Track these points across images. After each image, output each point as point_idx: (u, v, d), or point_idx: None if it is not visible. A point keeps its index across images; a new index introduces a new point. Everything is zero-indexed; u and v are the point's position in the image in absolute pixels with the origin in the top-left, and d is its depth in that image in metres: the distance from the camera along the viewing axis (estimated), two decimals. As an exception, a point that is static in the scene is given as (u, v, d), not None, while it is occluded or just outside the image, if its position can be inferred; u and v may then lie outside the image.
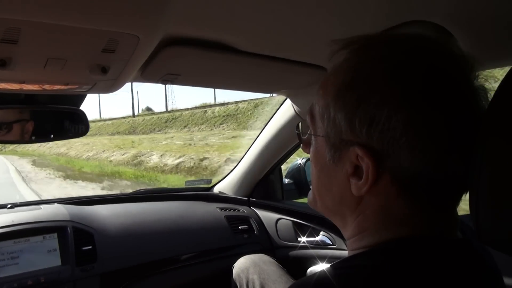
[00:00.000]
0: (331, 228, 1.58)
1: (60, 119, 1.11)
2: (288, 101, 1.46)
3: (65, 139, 1.15)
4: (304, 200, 1.92)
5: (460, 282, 0.49)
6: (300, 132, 0.67)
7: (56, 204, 1.53)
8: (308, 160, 1.89)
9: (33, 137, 1.13)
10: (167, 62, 0.93)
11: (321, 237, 1.60)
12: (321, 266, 1.55)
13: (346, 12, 0.79)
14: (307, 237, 1.66)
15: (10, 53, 0.71)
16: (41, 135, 1.14)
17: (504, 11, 0.74)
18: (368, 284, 0.46)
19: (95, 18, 0.64)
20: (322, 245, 1.59)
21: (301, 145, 0.68)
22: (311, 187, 0.64)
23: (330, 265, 0.52)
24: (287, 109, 1.48)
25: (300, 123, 0.68)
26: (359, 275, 0.48)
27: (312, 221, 1.65)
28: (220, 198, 1.91)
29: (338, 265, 0.53)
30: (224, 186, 1.97)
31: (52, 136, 1.12)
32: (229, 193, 1.94)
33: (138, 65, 0.88)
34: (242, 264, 1.46)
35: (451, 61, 0.50)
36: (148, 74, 0.99)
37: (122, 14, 0.65)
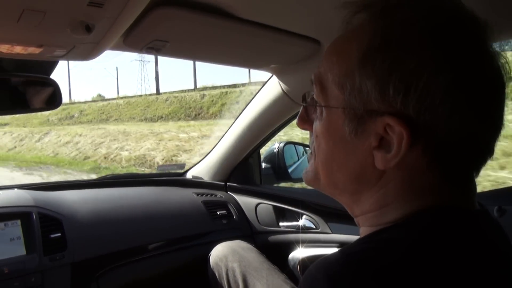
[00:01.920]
0: (314, 211, 1.55)
1: (28, 89, 0.98)
2: (273, 80, 1.40)
3: (33, 112, 1.03)
4: (283, 184, 1.88)
5: (493, 251, 0.47)
6: (310, 105, 0.59)
7: (16, 189, 1.40)
8: (286, 143, 1.85)
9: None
10: (156, 26, 0.85)
11: (304, 221, 1.56)
12: (302, 251, 1.52)
13: None
14: (288, 221, 1.62)
15: None
16: (4, 108, 1.01)
17: None
18: (409, 258, 0.43)
19: None
20: (304, 229, 1.55)
21: (298, 120, 0.61)
22: (310, 165, 0.59)
23: (355, 242, 0.49)
24: (271, 89, 1.42)
25: (305, 94, 0.60)
26: (395, 248, 0.44)
27: (294, 204, 1.61)
28: (195, 183, 1.83)
29: (364, 240, 0.50)
30: (199, 171, 1.88)
31: (18, 108, 1.00)
32: (204, 178, 1.86)
33: (125, 25, 0.79)
34: (219, 252, 1.40)
35: (479, 24, 0.47)
36: (132, 39, 0.90)
37: None
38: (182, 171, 1.99)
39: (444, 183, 0.48)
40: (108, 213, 1.42)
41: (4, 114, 1.03)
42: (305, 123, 0.60)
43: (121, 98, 19.87)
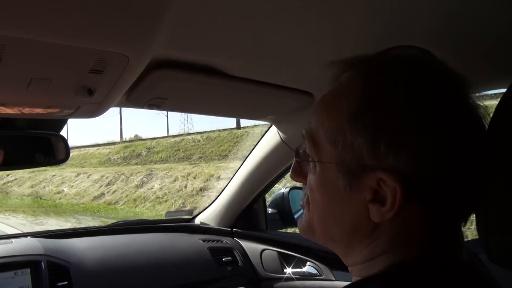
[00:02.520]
0: (318, 258, 1.55)
1: (39, 145, 1.06)
2: (273, 129, 1.45)
3: (43, 166, 1.10)
4: (289, 230, 1.89)
5: None
6: (303, 160, 0.60)
7: (28, 237, 1.45)
8: (292, 188, 1.87)
9: (6, 165, 1.08)
10: (155, 86, 0.91)
11: (308, 267, 1.55)
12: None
13: (332, 39, 0.81)
14: (293, 268, 1.61)
15: None
16: (16, 163, 1.08)
17: (485, 32, 0.76)
18: None
19: (85, 36, 0.62)
20: (308, 276, 1.54)
21: (292, 173, 0.63)
22: (304, 216, 0.59)
23: None
24: (271, 137, 1.47)
25: (298, 148, 0.63)
26: None
27: (298, 251, 1.61)
28: (202, 229, 1.85)
29: None
30: (206, 216, 1.91)
31: (28, 163, 1.07)
32: (212, 223, 1.88)
33: (125, 87, 0.86)
34: None
35: (458, 80, 0.51)
36: (134, 98, 0.97)
37: (113, 32, 0.63)
38: (190, 216, 2.02)
39: (435, 233, 0.49)
40: (115, 261, 1.45)
41: (17, 169, 1.09)
42: (299, 175, 0.61)
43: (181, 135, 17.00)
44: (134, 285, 1.40)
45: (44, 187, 15.37)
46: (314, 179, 0.55)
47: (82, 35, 0.61)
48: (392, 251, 0.49)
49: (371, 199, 0.49)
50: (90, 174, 14.85)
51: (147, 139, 17.57)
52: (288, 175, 1.70)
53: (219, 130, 14.74)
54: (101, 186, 13.58)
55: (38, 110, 0.91)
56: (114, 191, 12.87)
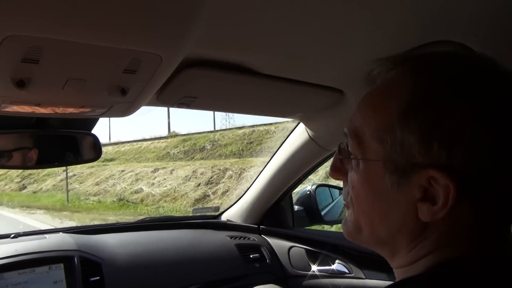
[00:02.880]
0: (347, 256, 1.53)
1: (72, 144, 1.08)
2: (301, 126, 1.44)
3: (75, 164, 1.12)
4: (315, 227, 1.87)
5: None
6: (345, 157, 0.58)
7: (61, 233, 1.48)
8: (318, 186, 1.86)
9: (40, 163, 1.10)
10: (186, 84, 0.92)
11: (337, 265, 1.54)
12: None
13: (365, 35, 0.79)
14: (321, 265, 1.60)
15: (30, 73, 0.69)
16: (50, 161, 1.11)
17: None
18: None
19: (121, 37, 0.62)
20: (337, 273, 1.53)
21: (332, 171, 0.62)
22: (349, 216, 0.58)
23: None
24: (299, 134, 1.46)
25: (340, 145, 0.62)
26: None
27: (327, 248, 1.59)
28: (229, 226, 1.86)
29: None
30: (233, 213, 1.92)
31: (62, 161, 1.09)
32: (238, 220, 1.89)
33: (157, 87, 0.86)
34: None
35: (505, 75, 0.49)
36: (164, 97, 0.97)
37: (147, 33, 0.64)
38: (216, 213, 2.03)
39: (486, 234, 0.48)
40: (145, 257, 1.47)
41: (50, 167, 1.12)
42: (339, 173, 0.60)
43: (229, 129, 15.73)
44: (164, 281, 1.42)
45: (114, 185, 13.61)
46: (358, 177, 0.54)
47: (118, 36, 0.62)
48: (439, 250, 0.48)
49: (420, 197, 0.48)
50: (173, 169, 12.90)
51: (194, 133, 16.24)
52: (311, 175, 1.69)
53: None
54: (199, 185, 11.27)
55: (71, 110, 0.92)
56: (225, 192, 10.39)
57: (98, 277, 1.29)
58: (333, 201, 2.03)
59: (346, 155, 0.58)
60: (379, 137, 0.51)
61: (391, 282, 0.52)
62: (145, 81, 0.80)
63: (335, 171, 0.61)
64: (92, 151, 1.10)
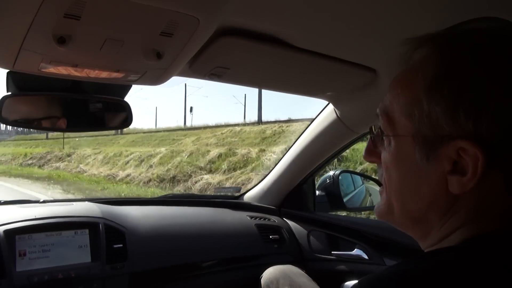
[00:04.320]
0: (367, 241, 1.52)
1: (104, 110, 1.10)
2: (329, 108, 1.43)
3: (107, 130, 1.14)
4: (337, 212, 1.86)
5: None
6: (378, 135, 0.59)
7: (87, 202, 1.52)
8: (342, 172, 1.84)
9: (71, 127, 1.13)
10: (219, 54, 0.92)
11: (357, 251, 1.53)
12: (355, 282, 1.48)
13: (404, 13, 0.78)
14: (341, 250, 1.59)
15: (71, 30, 0.70)
16: (81, 126, 1.13)
17: None
18: (459, 283, 0.42)
19: None
20: (357, 259, 1.52)
21: (366, 153, 0.62)
22: (382, 199, 0.59)
23: (410, 260, 0.49)
24: (327, 116, 1.44)
25: (372, 127, 0.64)
26: (446, 271, 0.44)
27: (348, 234, 1.59)
28: (249, 207, 1.87)
29: (419, 259, 0.50)
30: (254, 195, 1.93)
31: (93, 126, 1.12)
32: (259, 202, 1.89)
33: (191, 53, 0.87)
34: (271, 275, 1.41)
35: None
36: (197, 66, 0.97)
37: None
38: (238, 194, 2.04)
39: None
40: (167, 229, 1.49)
41: (82, 131, 1.14)
42: (372, 155, 0.61)
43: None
44: (184, 253, 1.44)
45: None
46: (389, 156, 0.55)
47: None
48: (471, 223, 0.48)
49: (450, 170, 0.48)
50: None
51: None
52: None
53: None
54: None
55: (105, 74, 0.93)
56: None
57: (121, 245, 1.32)
58: (355, 188, 2.01)
59: (378, 135, 0.59)
60: (407, 112, 0.52)
61: None
62: (181, 46, 0.80)
63: (369, 153, 0.62)
64: (124, 118, 1.11)
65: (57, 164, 19.18)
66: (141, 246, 1.36)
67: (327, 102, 1.41)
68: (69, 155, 20.05)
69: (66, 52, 0.75)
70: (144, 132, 22.48)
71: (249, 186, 2.02)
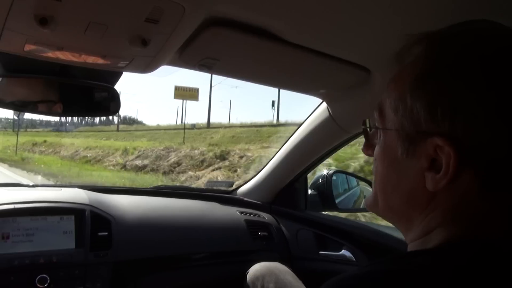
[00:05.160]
0: (355, 243, 1.51)
1: (95, 95, 1.09)
2: (322, 106, 1.41)
3: (95, 116, 1.13)
4: (328, 212, 1.85)
5: None
6: (367, 127, 0.64)
7: (76, 188, 1.51)
8: (335, 172, 1.83)
9: (63, 112, 1.13)
10: (208, 44, 0.90)
11: (344, 251, 1.52)
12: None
13: (398, 11, 0.77)
14: (328, 250, 1.58)
15: (53, 11, 0.69)
16: (72, 110, 1.13)
17: None
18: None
19: None
20: (343, 260, 1.51)
21: (364, 147, 0.65)
22: (372, 189, 0.61)
23: (385, 259, 0.50)
24: (321, 114, 1.43)
25: (367, 120, 0.65)
26: (417, 274, 0.44)
27: (336, 234, 1.58)
28: (240, 202, 1.86)
29: (395, 259, 0.50)
30: (246, 190, 1.92)
31: (82, 112, 1.11)
32: (251, 198, 1.88)
33: (179, 42, 0.85)
34: (257, 271, 1.40)
35: None
36: (186, 56, 0.96)
37: None
38: (230, 188, 2.03)
39: (492, 212, 0.48)
40: (155, 220, 1.48)
41: (77, 116, 1.13)
42: (369, 148, 0.63)
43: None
44: (170, 245, 1.43)
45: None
46: (378, 149, 0.58)
47: None
48: (448, 223, 0.49)
49: (427, 167, 0.49)
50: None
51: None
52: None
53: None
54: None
55: (92, 60, 0.92)
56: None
57: (106, 233, 1.31)
58: (349, 189, 2.00)
59: (371, 127, 0.63)
60: (394, 106, 0.54)
61: None
62: (167, 33, 0.79)
63: (366, 147, 0.64)
64: (112, 105, 1.11)
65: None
66: (127, 235, 1.36)
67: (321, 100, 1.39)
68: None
69: (49, 34, 0.74)
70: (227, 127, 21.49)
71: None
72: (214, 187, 2.13)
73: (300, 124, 1.55)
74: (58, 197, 1.34)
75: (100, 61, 0.93)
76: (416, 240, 0.53)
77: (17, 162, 17.48)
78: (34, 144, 24.88)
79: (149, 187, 1.91)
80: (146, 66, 0.96)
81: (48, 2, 0.65)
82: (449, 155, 0.46)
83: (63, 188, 1.46)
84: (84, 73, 1.05)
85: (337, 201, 1.79)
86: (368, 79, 1.10)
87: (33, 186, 1.49)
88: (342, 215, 1.80)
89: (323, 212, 1.85)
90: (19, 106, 1.17)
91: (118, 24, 0.75)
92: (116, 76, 1.09)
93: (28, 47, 0.83)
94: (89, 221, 1.30)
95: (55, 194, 1.36)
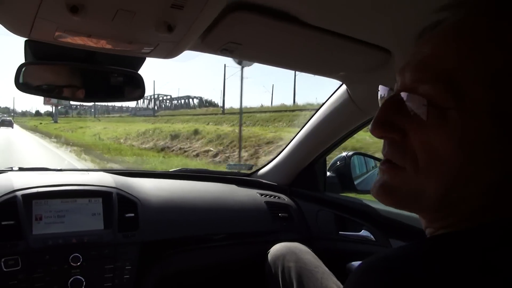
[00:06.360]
0: (374, 223, 1.53)
1: (118, 81, 1.12)
2: (342, 88, 1.42)
3: (120, 102, 1.16)
4: (347, 194, 1.87)
5: None
6: (421, 105, 0.46)
7: (102, 172, 1.56)
8: (354, 154, 1.83)
9: (87, 97, 1.16)
10: (231, 28, 0.92)
11: (364, 232, 1.54)
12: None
13: None
14: (348, 231, 1.61)
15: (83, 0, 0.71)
16: (96, 96, 1.16)
17: None
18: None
19: None
20: (363, 240, 1.53)
21: (381, 126, 0.50)
22: (403, 183, 0.49)
23: (415, 242, 0.46)
24: (340, 96, 1.43)
25: (400, 93, 0.49)
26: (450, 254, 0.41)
27: (356, 215, 1.59)
28: (260, 184, 1.89)
29: (427, 242, 0.47)
30: (265, 172, 1.94)
31: (106, 97, 1.15)
32: (270, 180, 1.91)
33: (203, 27, 0.87)
34: (278, 251, 1.44)
35: None
36: (209, 40, 0.98)
37: None
38: (249, 171, 2.06)
39: None
40: (179, 202, 1.53)
41: (99, 101, 1.17)
42: (390, 129, 0.49)
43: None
44: (194, 225, 1.48)
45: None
46: (441, 133, 0.46)
47: None
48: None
49: None
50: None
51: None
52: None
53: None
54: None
55: (118, 46, 0.95)
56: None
57: (133, 214, 1.36)
58: (367, 171, 2.01)
59: (420, 105, 0.46)
60: (489, 81, 0.43)
61: None
62: (192, 18, 0.81)
63: (385, 126, 0.49)
64: (136, 90, 1.13)
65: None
66: (152, 216, 1.41)
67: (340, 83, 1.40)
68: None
69: (79, 21, 0.77)
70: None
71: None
72: (234, 170, 2.15)
73: (319, 107, 1.56)
74: (86, 180, 1.39)
75: (126, 47, 0.95)
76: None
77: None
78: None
79: (171, 170, 1.96)
80: (169, 51, 0.98)
81: None
82: None
83: (89, 172, 1.51)
84: (108, 59, 1.08)
85: (356, 182, 1.81)
86: (388, 61, 1.10)
87: (61, 170, 1.54)
88: (361, 196, 1.81)
89: (342, 194, 1.87)
90: (45, 91, 1.21)
91: (145, 10, 0.77)
92: (140, 61, 1.12)
93: (59, 35, 0.86)
94: (116, 203, 1.35)
95: (83, 178, 1.41)
